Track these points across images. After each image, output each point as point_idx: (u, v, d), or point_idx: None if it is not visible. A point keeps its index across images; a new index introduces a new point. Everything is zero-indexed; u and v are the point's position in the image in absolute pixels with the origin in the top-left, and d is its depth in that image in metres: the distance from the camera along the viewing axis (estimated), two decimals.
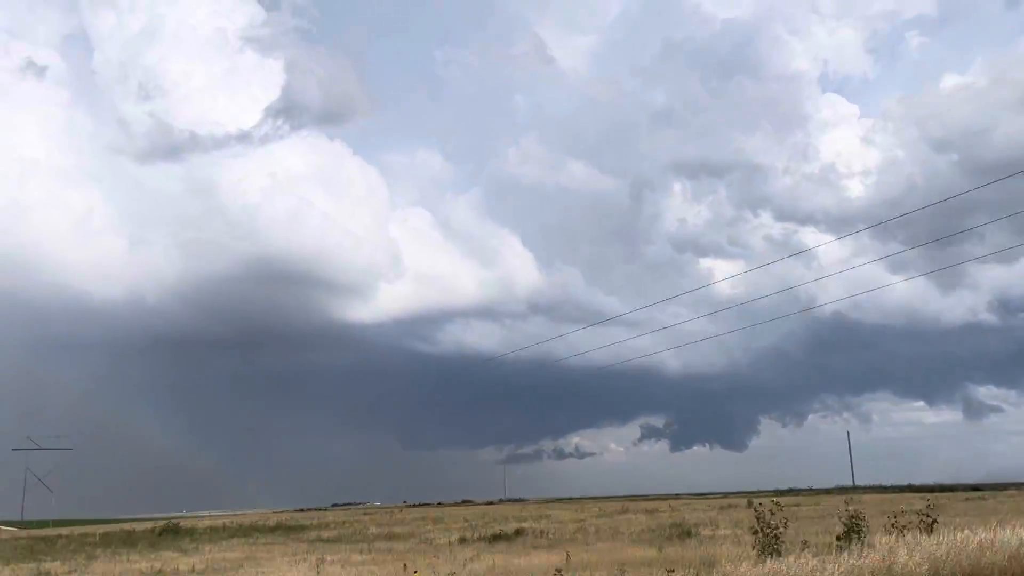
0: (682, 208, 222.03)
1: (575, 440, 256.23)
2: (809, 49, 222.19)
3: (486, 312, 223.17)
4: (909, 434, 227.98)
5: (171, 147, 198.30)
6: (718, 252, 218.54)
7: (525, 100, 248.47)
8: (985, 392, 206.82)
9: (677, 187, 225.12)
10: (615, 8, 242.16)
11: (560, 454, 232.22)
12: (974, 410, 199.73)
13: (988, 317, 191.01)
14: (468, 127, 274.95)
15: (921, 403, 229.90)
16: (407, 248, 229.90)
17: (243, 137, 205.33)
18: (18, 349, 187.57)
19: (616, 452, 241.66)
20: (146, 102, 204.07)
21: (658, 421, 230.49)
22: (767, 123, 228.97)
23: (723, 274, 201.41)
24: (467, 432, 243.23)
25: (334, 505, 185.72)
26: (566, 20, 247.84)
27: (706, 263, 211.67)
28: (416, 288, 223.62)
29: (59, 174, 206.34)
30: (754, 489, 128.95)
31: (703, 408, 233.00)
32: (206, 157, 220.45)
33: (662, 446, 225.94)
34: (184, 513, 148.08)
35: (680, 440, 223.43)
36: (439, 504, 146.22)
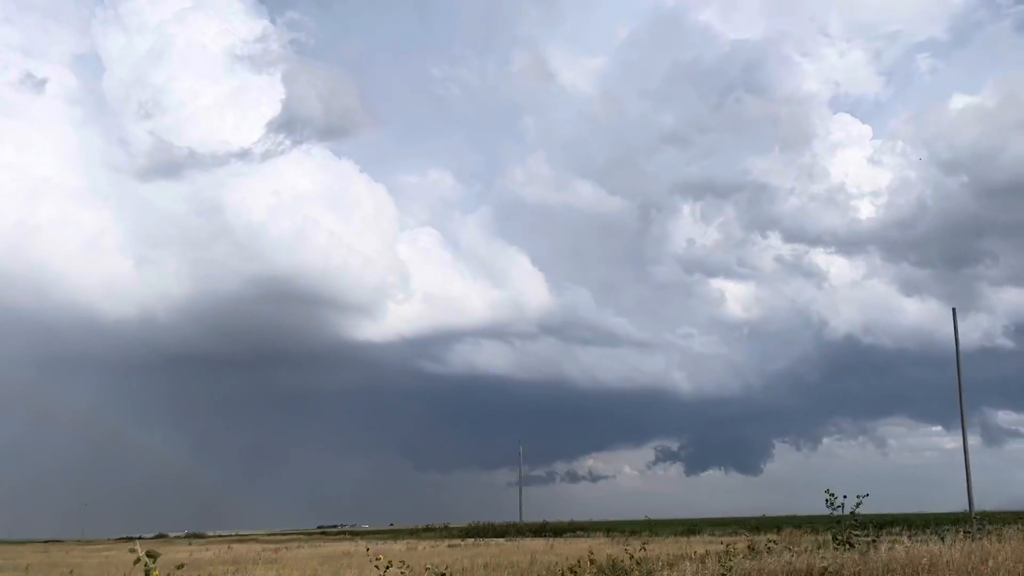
0: (691, 229, 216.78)
1: (589, 463, 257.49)
2: (821, 71, 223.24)
3: (496, 332, 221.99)
4: (928, 460, 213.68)
5: (171, 165, 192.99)
6: (728, 273, 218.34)
7: (532, 120, 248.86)
8: (1004, 417, 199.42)
9: (686, 208, 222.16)
10: (624, 29, 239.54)
11: (574, 477, 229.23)
12: (992, 435, 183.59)
13: (1005, 342, 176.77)
14: (474, 146, 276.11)
15: (939, 428, 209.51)
16: (416, 268, 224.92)
17: (244, 154, 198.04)
18: (28, 366, 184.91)
19: (630, 475, 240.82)
20: (146, 120, 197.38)
21: (672, 444, 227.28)
22: (776, 144, 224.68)
23: (733, 295, 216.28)
24: (480, 453, 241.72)
25: (319, 527, 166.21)
26: (575, 41, 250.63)
27: (716, 283, 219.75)
28: (425, 308, 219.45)
29: (68, 193, 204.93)
30: (772, 514, 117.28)
31: (717, 432, 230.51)
32: (209, 175, 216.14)
33: (677, 469, 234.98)
34: (184, 533, 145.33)
35: (695, 464, 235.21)
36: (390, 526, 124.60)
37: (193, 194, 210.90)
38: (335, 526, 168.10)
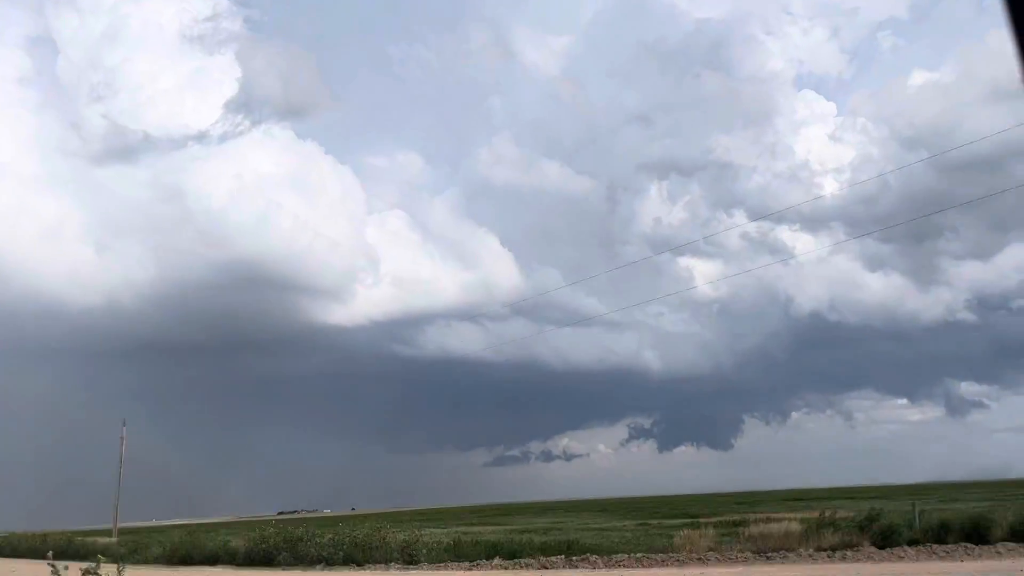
0: (658, 208, 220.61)
1: (563, 442, 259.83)
2: (785, 49, 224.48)
3: (467, 314, 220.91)
4: (894, 432, 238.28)
5: (126, 149, 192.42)
6: (695, 251, 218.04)
7: (498, 100, 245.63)
8: (967, 388, 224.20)
9: (652, 187, 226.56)
10: (589, 9, 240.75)
11: (548, 456, 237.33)
12: (956, 406, 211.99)
13: (967, 315, 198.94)
14: (439, 127, 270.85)
15: (904, 400, 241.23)
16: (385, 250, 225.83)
17: (201, 136, 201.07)
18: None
19: (604, 454, 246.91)
20: (99, 103, 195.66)
21: (645, 421, 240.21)
22: (741, 122, 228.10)
23: (701, 274, 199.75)
24: (455, 435, 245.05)
25: (280, 513, 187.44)
26: (540, 20, 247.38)
27: (684, 262, 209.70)
28: (395, 291, 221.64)
29: (26, 180, 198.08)
30: (743, 489, 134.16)
31: (689, 409, 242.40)
32: (168, 159, 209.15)
33: (650, 446, 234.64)
34: (153, 522, 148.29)
35: (667, 440, 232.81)
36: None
37: (154, 179, 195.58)
38: (295, 511, 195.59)
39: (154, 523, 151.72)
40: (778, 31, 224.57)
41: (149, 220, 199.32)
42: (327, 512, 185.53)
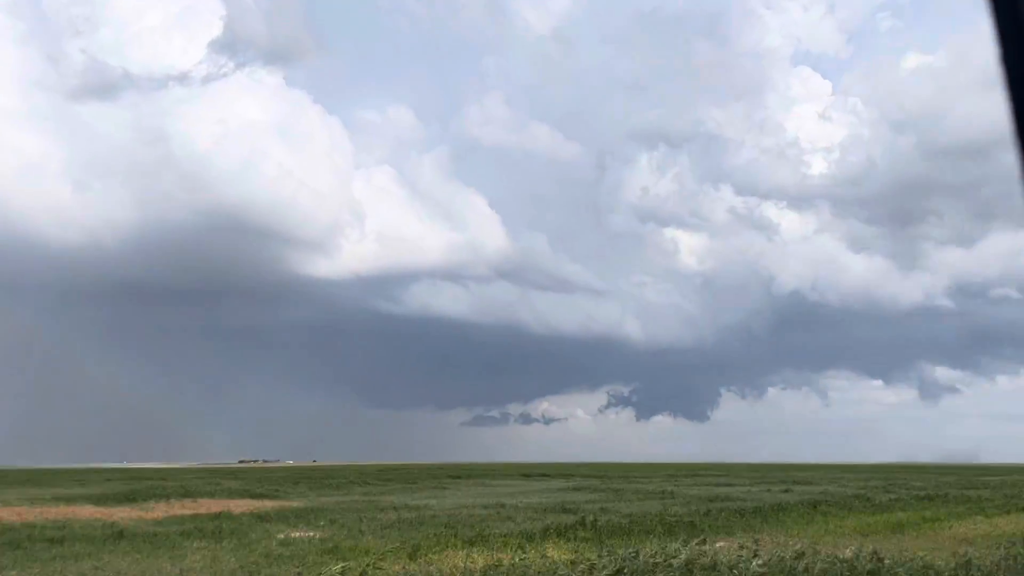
0: (646, 177, 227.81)
1: (543, 406, 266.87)
2: (784, 25, 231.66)
3: (452, 274, 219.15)
4: (868, 412, 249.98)
5: (105, 86, 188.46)
6: (680, 223, 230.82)
7: (490, 60, 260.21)
8: (942, 373, 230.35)
9: (642, 157, 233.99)
10: None
11: (527, 419, 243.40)
12: (930, 390, 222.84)
13: (945, 302, 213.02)
14: (429, 83, 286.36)
15: (879, 382, 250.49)
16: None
17: (183, 77, 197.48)
18: None
19: (583, 420, 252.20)
20: (78, 38, 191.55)
21: (624, 389, 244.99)
22: (739, 95, 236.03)
23: (686, 246, 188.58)
24: (435, 393, 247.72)
25: (241, 462, 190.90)
26: None
27: (669, 233, 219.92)
28: (380, 248, 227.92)
29: (6, 114, 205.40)
30: (717, 461, 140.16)
31: (668, 379, 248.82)
32: (154, 99, 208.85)
33: (628, 414, 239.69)
34: (124, 464, 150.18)
35: (645, 409, 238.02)
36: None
37: (135, 121, 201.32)
38: (255, 460, 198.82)
39: (124, 465, 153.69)
40: (777, 5, 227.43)
41: (132, 162, 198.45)
42: (289, 463, 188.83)
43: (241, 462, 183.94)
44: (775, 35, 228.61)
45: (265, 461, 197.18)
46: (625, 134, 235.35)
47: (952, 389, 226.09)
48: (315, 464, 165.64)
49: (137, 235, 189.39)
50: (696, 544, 17.55)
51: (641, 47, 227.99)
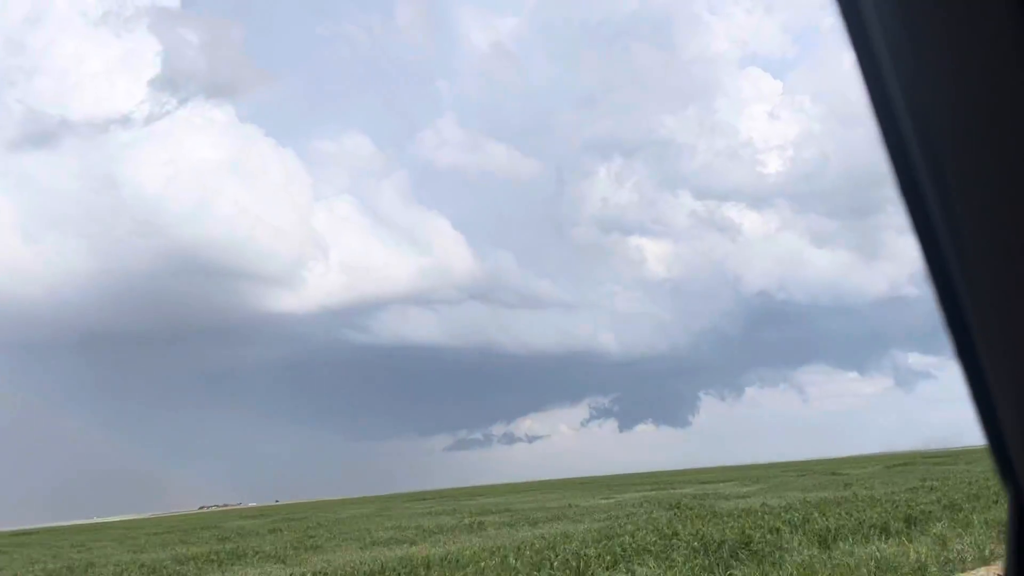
0: (605, 188, 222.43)
1: (526, 423, 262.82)
2: (729, 29, 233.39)
3: (421, 299, 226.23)
4: (847, 404, 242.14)
5: (44, 134, 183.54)
6: (644, 231, 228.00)
7: (442, 82, 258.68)
8: (915, 359, 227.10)
9: (600, 168, 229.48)
10: None
11: (510, 439, 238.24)
12: (904, 378, 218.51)
13: (911, 289, 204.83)
14: (382, 109, 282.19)
15: (855, 373, 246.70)
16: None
17: (125, 120, 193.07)
18: None
19: (566, 435, 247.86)
20: (12, 89, 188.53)
21: (605, 400, 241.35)
22: (690, 100, 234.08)
23: (652, 253, 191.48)
24: (415, 421, 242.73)
25: (201, 508, 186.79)
26: (486, 2, 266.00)
27: (634, 241, 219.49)
28: (346, 278, 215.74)
29: None
30: (701, 466, 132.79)
31: (647, 387, 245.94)
32: (97, 143, 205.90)
33: (611, 426, 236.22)
34: (95, 520, 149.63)
35: (627, 419, 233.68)
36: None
37: (81, 168, 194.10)
38: (217, 505, 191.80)
39: (95, 520, 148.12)
40: (722, 10, 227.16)
41: (82, 210, 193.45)
42: (252, 505, 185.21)
43: (201, 508, 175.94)
44: (722, 39, 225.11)
45: (226, 505, 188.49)
46: (580, 147, 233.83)
47: (927, 375, 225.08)
48: (277, 504, 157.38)
49: (95, 284, 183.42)
50: None
51: (589, 60, 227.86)
